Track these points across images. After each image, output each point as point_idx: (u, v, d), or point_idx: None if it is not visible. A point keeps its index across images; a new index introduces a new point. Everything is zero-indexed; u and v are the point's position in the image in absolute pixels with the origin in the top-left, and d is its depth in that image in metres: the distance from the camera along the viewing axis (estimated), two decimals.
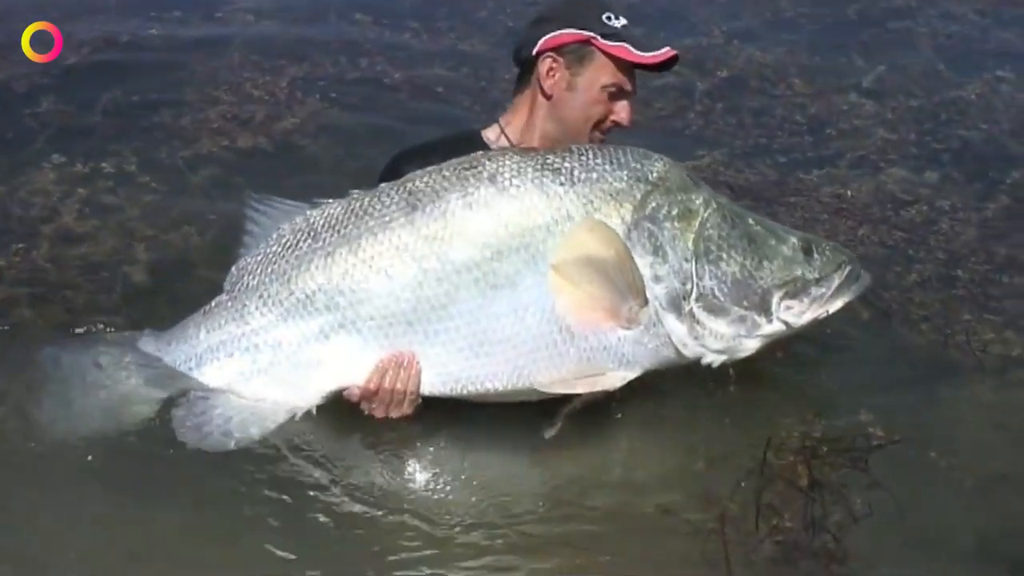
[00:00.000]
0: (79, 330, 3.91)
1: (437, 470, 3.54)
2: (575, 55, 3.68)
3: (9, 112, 5.40)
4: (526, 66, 3.80)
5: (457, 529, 3.33)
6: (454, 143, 3.74)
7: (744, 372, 3.70)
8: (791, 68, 6.24)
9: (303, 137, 5.34)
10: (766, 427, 3.60)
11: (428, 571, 3.23)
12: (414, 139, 4.37)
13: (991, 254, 4.66)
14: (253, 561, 3.22)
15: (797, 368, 3.80)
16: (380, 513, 3.38)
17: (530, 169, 3.47)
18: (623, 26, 3.70)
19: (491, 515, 3.38)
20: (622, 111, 3.73)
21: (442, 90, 5.78)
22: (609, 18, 3.68)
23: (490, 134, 3.86)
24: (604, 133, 3.76)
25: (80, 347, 3.62)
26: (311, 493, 3.43)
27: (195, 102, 5.55)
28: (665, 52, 3.69)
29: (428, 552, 3.27)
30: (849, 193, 5.04)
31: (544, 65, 3.71)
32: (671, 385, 3.62)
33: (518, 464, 3.57)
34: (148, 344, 3.57)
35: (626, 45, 3.64)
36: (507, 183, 3.44)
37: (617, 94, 3.71)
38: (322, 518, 3.37)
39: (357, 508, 3.40)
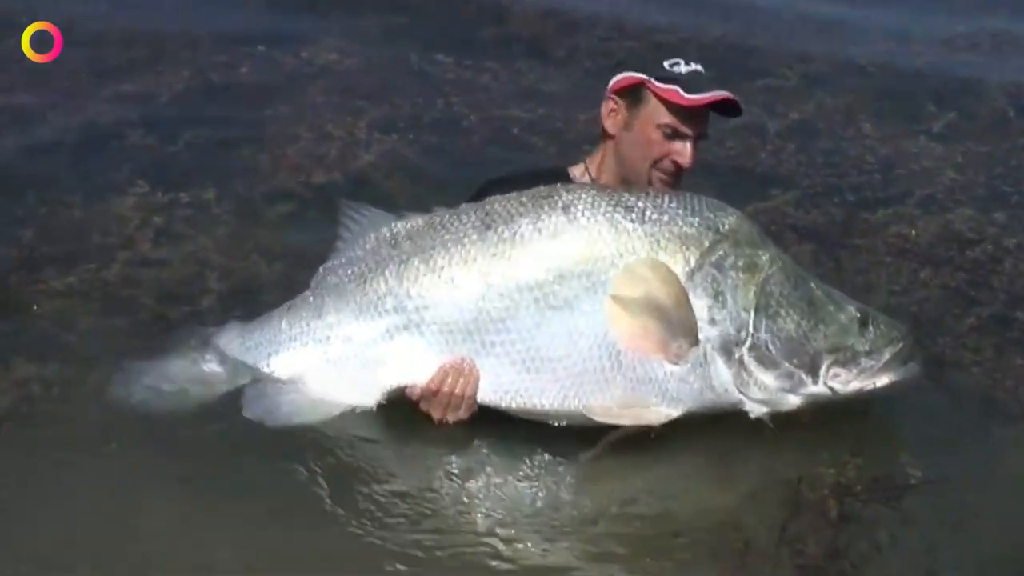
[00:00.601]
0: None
1: (471, 479, 3.64)
2: (632, 97, 3.83)
3: (97, 143, 5.62)
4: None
5: (480, 541, 3.41)
6: (540, 175, 3.92)
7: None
8: (861, 113, 6.30)
9: (377, 175, 5.49)
10: (803, 464, 3.66)
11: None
12: (485, 178, 4.56)
13: None
14: (295, 551, 3.34)
15: (840, 406, 3.81)
16: (412, 515, 3.47)
17: (603, 204, 3.67)
18: (690, 72, 3.79)
19: (517, 526, 3.48)
20: (680, 152, 3.82)
21: (518, 131, 5.90)
22: (674, 64, 3.79)
23: (575, 171, 4.05)
24: (667, 174, 3.86)
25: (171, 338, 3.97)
26: (357, 487, 3.55)
27: (276, 139, 5.72)
28: (712, 95, 3.76)
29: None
30: (914, 233, 5.08)
31: (607, 107, 3.90)
32: (709, 419, 3.68)
33: (553, 482, 3.65)
34: (232, 330, 3.88)
35: (676, 88, 3.74)
36: (578, 214, 3.65)
37: (673, 135, 3.81)
38: (363, 506, 3.47)
39: (389, 504, 3.49)
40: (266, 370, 3.80)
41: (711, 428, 3.69)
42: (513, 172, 4.12)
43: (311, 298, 3.82)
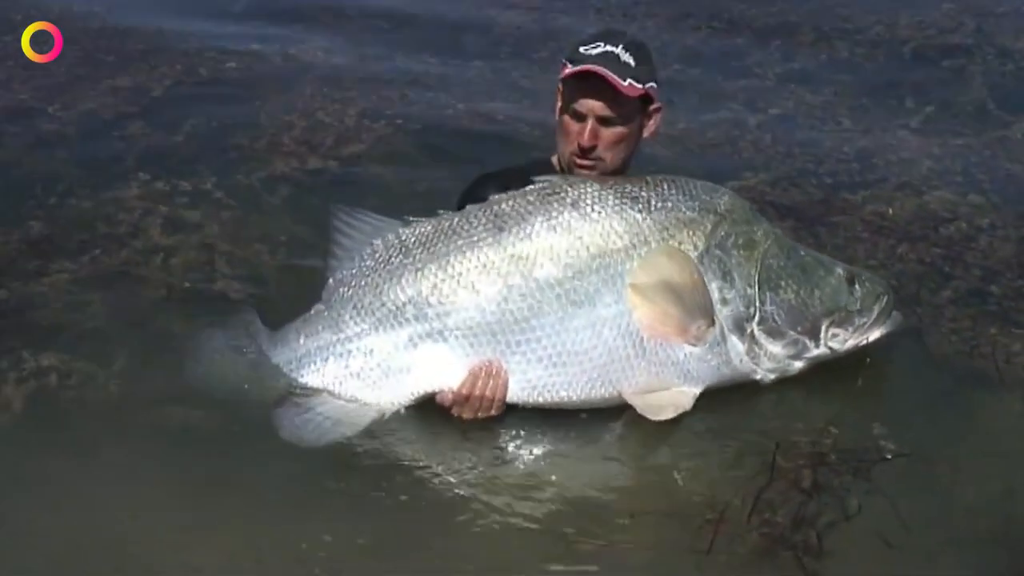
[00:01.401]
0: None
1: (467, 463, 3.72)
2: (564, 83, 3.88)
3: (99, 135, 5.73)
4: None
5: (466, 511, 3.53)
6: (531, 168, 3.98)
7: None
8: (841, 108, 6.40)
9: (370, 161, 5.60)
10: (779, 434, 3.75)
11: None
12: (475, 162, 4.74)
13: None
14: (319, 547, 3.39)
15: (819, 378, 3.95)
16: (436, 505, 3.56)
17: (610, 196, 3.77)
18: (600, 53, 3.80)
19: (497, 498, 3.57)
20: (580, 133, 3.85)
21: (503, 118, 6.01)
22: (594, 47, 3.81)
23: (554, 160, 4.09)
24: (581, 157, 3.88)
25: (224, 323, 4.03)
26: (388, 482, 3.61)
27: (269, 127, 5.83)
28: (585, 67, 3.76)
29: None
30: (891, 211, 5.20)
31: (556, 96, 3.96)
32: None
33: (530, 457, 3.77)
34: (263, 341, 3.92)
35: (571, 65, 3.80)
36: (589, 209, 3.75)
37: (576, 116, 3.85)
38: (388, 502, 3.54)
39: (410, 496, 3.57)
40: (290, 388, 3.82)
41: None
42: (505, 168, 4.18)
43: (326, 312, 3.85)
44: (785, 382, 3.91)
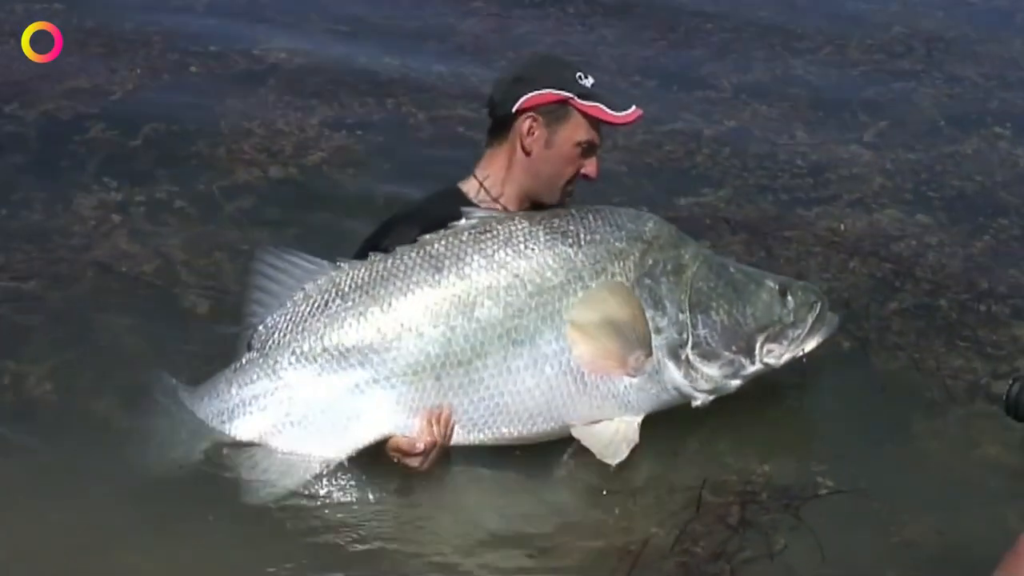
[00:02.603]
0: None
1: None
2: (553, 115, 3.84)
3: (57, 137, 5.73)
4: (503, 122, 3.93)
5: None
6: (440, 202, 3.96)
7: (707, 411, 3.95)
8: (796, 121, 6.47)
9: (331, 169, 5.62)
10: (712, 469, 3.82)
11: None
12: (436, 171, 4.76)
13: (973, 284, 4.89)
14: None
15: (758, 406, 4.02)
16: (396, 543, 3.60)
17: (541, 233, 3.78)
18: (593, 84, 3.89)
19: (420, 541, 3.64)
20: (591, 166, 3.94)
21: (463, 129, 6.04)
22: (581, 77, 3.88)
23: (469, 188, 3.99)
24: (573, 185, 3.98)
25: (142, 386, 3.84)
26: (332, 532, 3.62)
27: (229, 134, 5.84)
28: (633, 112, 3.90)
29: None
30: (843, 227, 5.28)
31: (525, 124, 3.85)
32: None
33: (458, 494, 3.83)
34: (185, 398, 3.76)
35: (600, 105, 3.85)
36: (522, 246, 3.74)
37: (589, 150, 3.92)
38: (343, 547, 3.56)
39: (372, 536, 3.60)
40: (222, 439, 3.72)
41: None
42: (410, 209, 4.12)
43: (260, 359, 3.73)
44: (722, 410, 3.94)
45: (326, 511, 3.65)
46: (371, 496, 3.74)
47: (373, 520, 3.64)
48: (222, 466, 3.69)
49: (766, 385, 4.02)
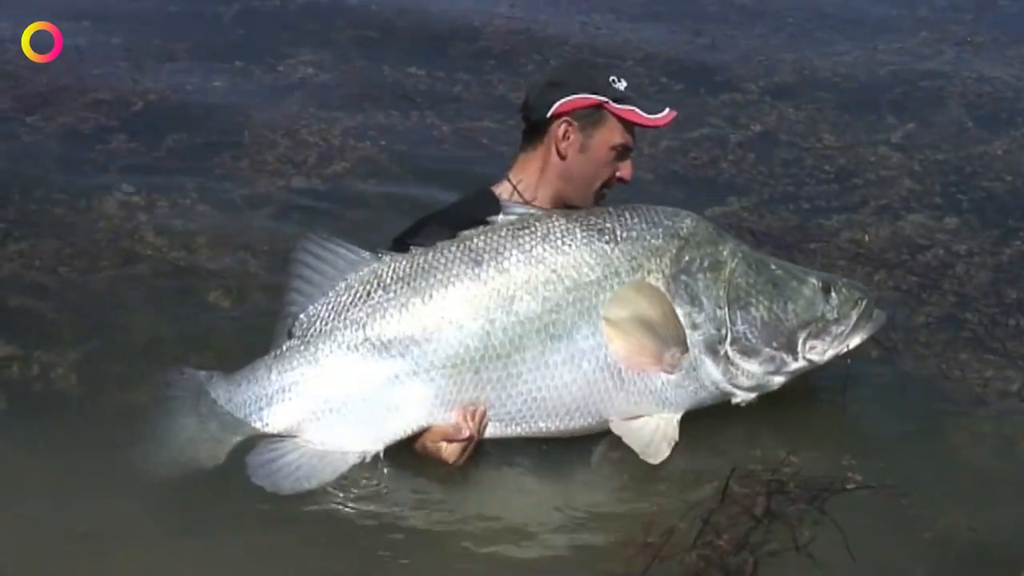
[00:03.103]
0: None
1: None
2: (589, 119, 3.88)
3: (79, 149, 5.75)
4: (537, 126, 3.97)
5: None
6: (472, 204, 3.98)
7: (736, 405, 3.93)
8: (822, 124, 6.44)
9: (354, 179, 5.63)
10: (740, 460, 3.77)
11: None
12: (456, 186, 4.78)
13: (1001, 297, 4.84)
14: None
15: (788, 405, 3.98)
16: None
17: (578, 229, 3.79)
18: (626, 87, 3.93)
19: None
20: (626, 169, 3.97)
21: (487, 141, 6.05)
22: (614, 81, 3.91)
23: (502, 191, 4.01)
24: (608, 188, 4.00)
25: (163, 384, 3.84)
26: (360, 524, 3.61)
27: (253, 145, 5.86)
28: (667, 114, 3.94)
29: None
30: (867, 238, 5.25)
31: (560, 129, 3.89)
32: None
33: (482, 484, 3.80)
34: (219, 386, 3.77)
35: (635, 108, 3.88)
36: (560, 242, 3.77)
37: (624, 153, 3.95)
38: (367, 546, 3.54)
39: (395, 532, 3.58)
40: (260, 425, 3.73)
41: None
42: (445, 208, 4.14)
43: (302, 347, 3.75)
44: (752, 408, 3.92)
45: (352, 509, 3.64)
46: (396, 491, 3.72)
47: (398, 514, 3.62)
48: (248, 463, 3.66)
49: (796, 384, 3.99)
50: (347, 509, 3.62)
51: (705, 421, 3.88)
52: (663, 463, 3.75)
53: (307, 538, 3.52)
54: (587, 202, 3.97)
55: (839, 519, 3.54)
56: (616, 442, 3.78)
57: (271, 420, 3.75)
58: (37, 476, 3.68)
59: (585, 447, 3.84)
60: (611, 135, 3.91)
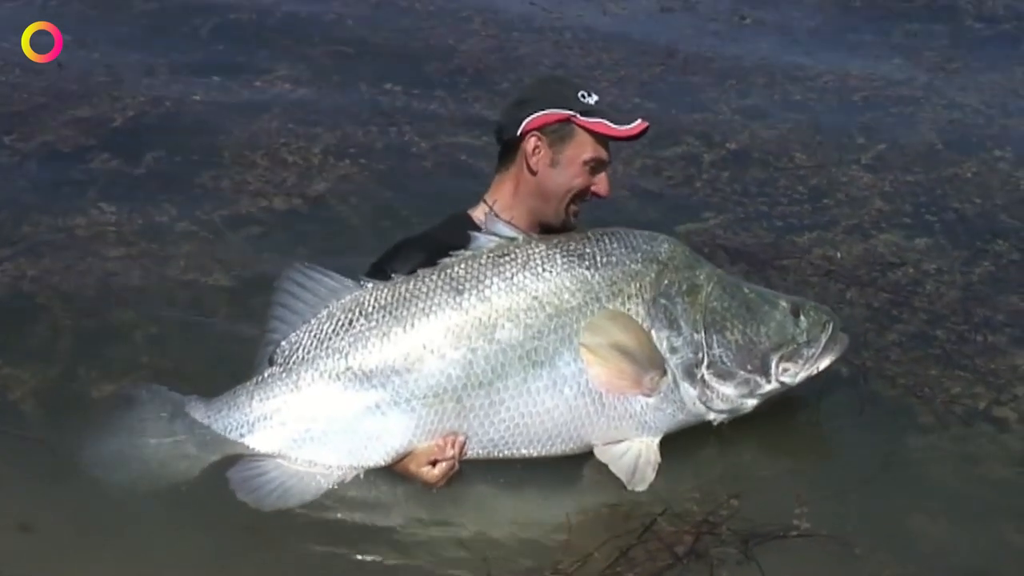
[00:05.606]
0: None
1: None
2: (557, 133, 3.93)
3: (58, 167, 5.75)
4: (510, 146, 4.02)
5: None
6: (450, 228, 4.01)
7: (696, 436, 3.97)
8: (794, 144, 6.51)
9: (334, 199, 5.64)
10: (682, 498, 3.80)
11: None
12: (436, 203, 4.80)
13: (970, 314, 4.91)
14: None
15: (753, 430, 4.03)
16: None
17: (558, 256, 3.82)
18: (597, 102, 3.97)
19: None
20: (601, 183, 4.01)
21: (465, 157, 6.09)
22: (583, 95, 3.96)
23: (478, 214, 4.06)
24: (579, 205, 4.04)
25: (135, 402, 3.84)
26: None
27: (233, 165, 5.87)
28: (638, 124, 3.99)
29: None
30: (839, 255, 5.32)
31: (529, 144, 3.94)
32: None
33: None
34: (197, 410, 3.78)
35: (604, 120, 3.92)
36: (540, 269, 3.79)
37: (597, 167, 3.98)
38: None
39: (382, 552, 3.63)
40: (241, 450, 3.75)
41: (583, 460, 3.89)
42: (423, 233, 4.15)
43: (283, 374, 3.77)
44: (714, 436, 3.99)
45: (335, 521, 3.69)
46: (377, 507, 3.77)
47: (378, 530, 3.67)
48: (231, 479, 3.70)
49: (755, 417, 4.03)
50: (332, 516, 3.69)
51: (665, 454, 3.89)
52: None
53: (288, 545, 3.58)
54: (560, 218, 4.01)
55: (766, 564, 3.55)
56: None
57: (253, 445, 3.77)
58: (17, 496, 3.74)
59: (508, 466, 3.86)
60: (581, 149, 3.95)
